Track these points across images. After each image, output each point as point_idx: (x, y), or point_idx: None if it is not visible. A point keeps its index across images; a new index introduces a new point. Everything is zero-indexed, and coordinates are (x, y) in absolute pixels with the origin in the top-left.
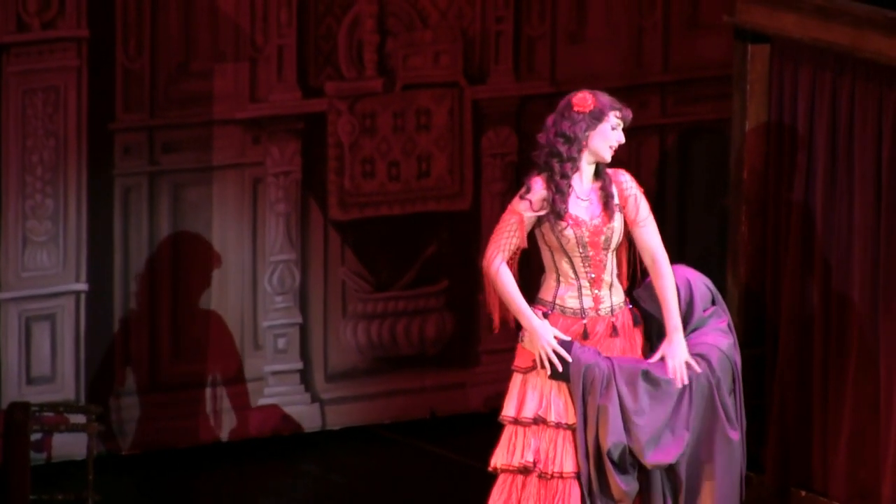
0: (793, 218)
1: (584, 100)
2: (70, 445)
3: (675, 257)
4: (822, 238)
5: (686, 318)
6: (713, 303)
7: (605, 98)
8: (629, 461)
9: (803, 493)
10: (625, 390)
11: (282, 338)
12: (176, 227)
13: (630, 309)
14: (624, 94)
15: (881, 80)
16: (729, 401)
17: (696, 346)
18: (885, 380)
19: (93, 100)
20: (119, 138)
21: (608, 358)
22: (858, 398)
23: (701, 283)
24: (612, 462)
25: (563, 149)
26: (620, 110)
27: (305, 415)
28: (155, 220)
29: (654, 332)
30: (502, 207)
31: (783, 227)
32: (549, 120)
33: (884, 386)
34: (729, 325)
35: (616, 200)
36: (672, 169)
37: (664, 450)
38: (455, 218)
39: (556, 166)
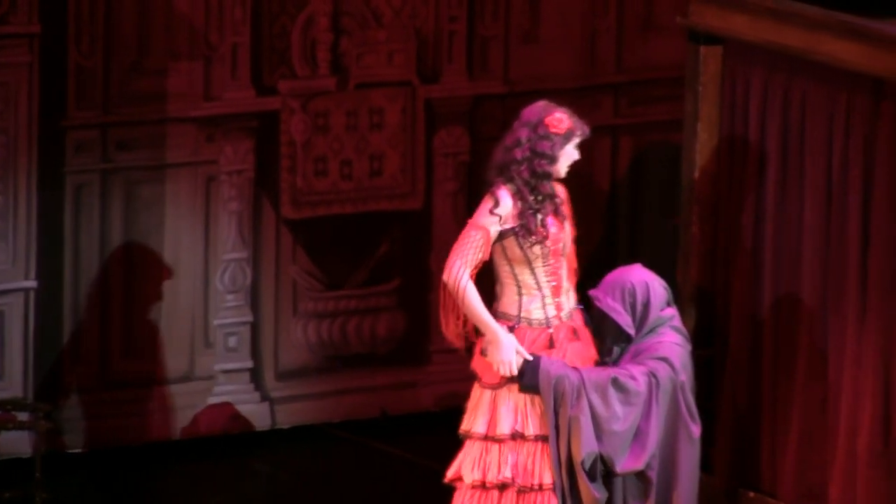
0: (744, 219)
1: (560, 121)
2: (18, 443)
3: (628, 258)
4: (773, 239)
5: (643, 318)
6: (668, 304)
7: (574, 118)
8: (599, 469)
9: (752, 494)
10: (596, 400)
11: (232, 336)
12: (128, 225)
13: (581, 309)
14: (577, 95)
15: (833, 83)
16: (692, 400)
17: (657, 348)
18: (833, 381)
19: (45, 96)
20: (71, 135)
21: (576, 369)
22: (807, 399)
23: (658, 285)
24: (585, 471)
25: (549, 169)
26: (582, 129)
27: (255, 413)
28: (107, 217)
29: (607, 332)
30: (454, 207)
31: (734, 229)
32: (522, 134)
33: (832, 387)
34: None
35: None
36: (625, 170)
37: (633, 455)
38: (407, 217)
39: (545, 186)
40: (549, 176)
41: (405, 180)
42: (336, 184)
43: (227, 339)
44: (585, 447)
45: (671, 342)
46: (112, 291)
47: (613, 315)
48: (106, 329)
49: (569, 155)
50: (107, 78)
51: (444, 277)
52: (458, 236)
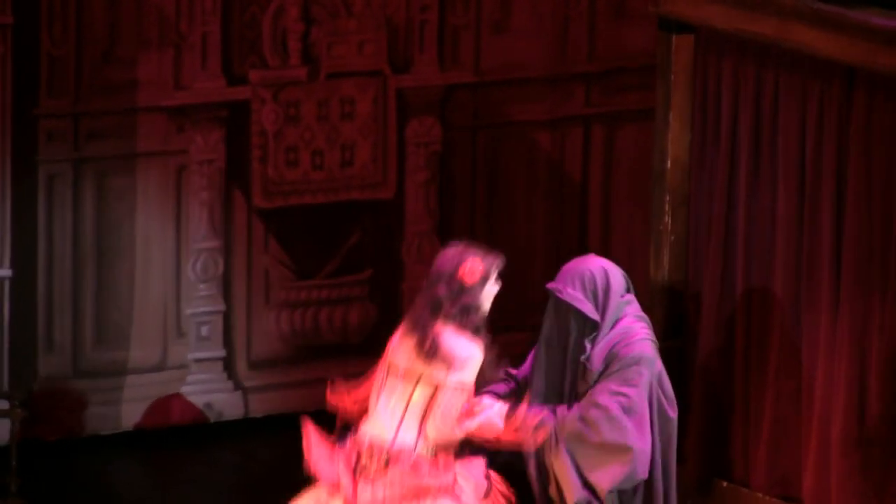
0: (716, 209)
1: (473, 271)
2: None
3: (600, 249)
4: (745, 229)
5: (604, 304)
6: (627, 290)
7: (486, 257)
8: None
9: (725, 484)
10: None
11: (205, 325)
12: (100, 215)
13: None
14: (549, 84)
15: (805, 72)
16: (668, 387)
17: (630, 349)
18: (806, 371)
19: (17, 86)
20: (43, 125)
21: (553, 413)
22: (780, 389)
23: (615, 270)
24: None
25: (480, 318)
26: (497, 264)
27: (228, 402)
28: (79, 207)
29: (572, 325)
30: (426, 197)
31: (706, 218)
32: (441, 292)
33: (805, 377)
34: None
35: None
36: (596, 159)
37: (639, 466)
38: (378, 207)
39: (481, 333)
40: (483, 324)
41: (376, 170)
42: (307, 174)
43: (199, 328)
44: (575, 495)
45: (641, 338)
46: (84, 281)
47: (576, 304)
48: (79, 318)
49: (491, 294)
50: (78, 67)
51: (450, 438)
52: (453, 394)
